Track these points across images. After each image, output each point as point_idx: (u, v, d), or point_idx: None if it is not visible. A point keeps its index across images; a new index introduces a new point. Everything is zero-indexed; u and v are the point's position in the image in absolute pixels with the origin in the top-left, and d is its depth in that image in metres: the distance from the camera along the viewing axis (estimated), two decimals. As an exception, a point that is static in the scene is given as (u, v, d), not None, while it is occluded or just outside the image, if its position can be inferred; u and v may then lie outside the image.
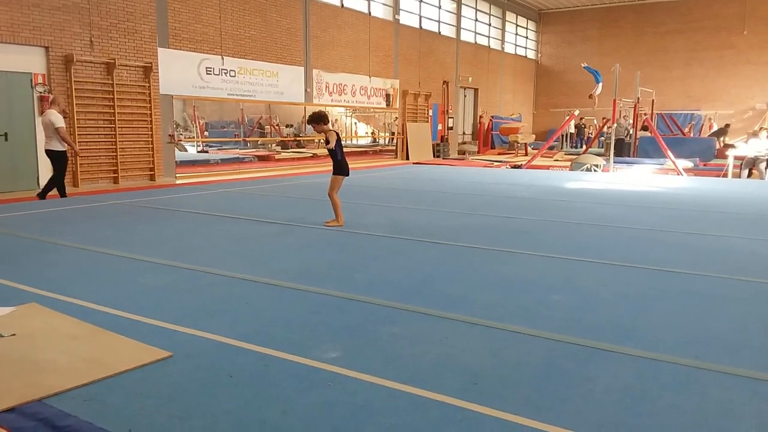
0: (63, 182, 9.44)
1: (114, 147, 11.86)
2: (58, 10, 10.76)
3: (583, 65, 21.90)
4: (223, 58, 13.99)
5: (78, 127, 11.19)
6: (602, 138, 21.21)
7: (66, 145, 9.20)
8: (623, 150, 18.34)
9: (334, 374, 2.97)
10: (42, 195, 9.32)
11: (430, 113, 22.16)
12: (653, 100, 22.99)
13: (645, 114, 20.11)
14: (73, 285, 4.55)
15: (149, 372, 2.98)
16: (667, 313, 4.03)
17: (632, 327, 3.73)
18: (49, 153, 9.16)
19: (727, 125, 22.74)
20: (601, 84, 20.54)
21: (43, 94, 10.67)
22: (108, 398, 2.70)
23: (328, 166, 7.55)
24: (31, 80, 10.60)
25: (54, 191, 9.44)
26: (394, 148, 20.89)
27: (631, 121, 19.03)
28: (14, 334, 3.44)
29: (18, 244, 6.12)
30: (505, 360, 3.19)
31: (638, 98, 18.00)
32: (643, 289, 4.58)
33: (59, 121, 9.04)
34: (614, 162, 16.06)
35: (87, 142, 11.42)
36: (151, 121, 12.41)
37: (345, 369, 3.02)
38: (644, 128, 19.06)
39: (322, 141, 18.72)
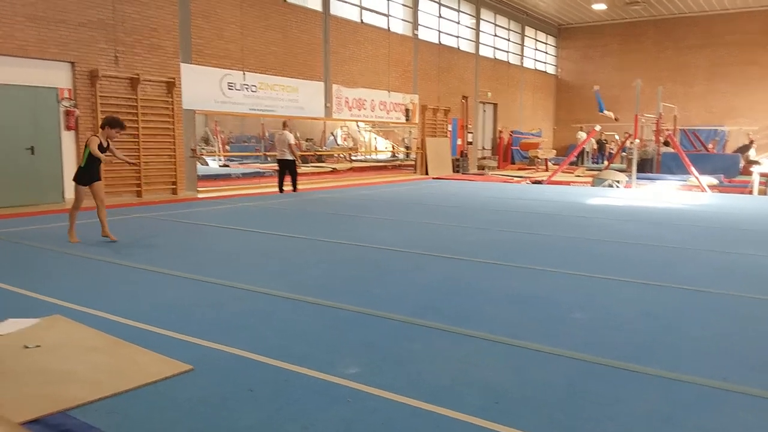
0: (295, 181, 13.15)
1: (138, 161, 12.03)
2: (84, 27, 11.00)
3: (595, 88, 22.17)
4: (244, 74, 14.17)
5: (102, 141, 11.36)
6: (624, 154, 21.03)
7: (294, 156, 12.75)
8: (646, 166, 18.13)
9: (354, 390, 2.95)
10: (280, 190, 13.15)
11: (450, 128, 22.18)
12: (675, 116, 22.76)
13: (668, 130, 19.89)
14: (95, 297, 4.60)
15: (170, 385, 3.00)
16: (693, 332, 3.95)
17: (657, 347, 3.66)
18: (283, 162, 12.84)
19: (752, 141, 22.42)
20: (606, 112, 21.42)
21: (68, 108, 10.89)
22: (130, 411, 2.72)
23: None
24: (57, 95, 10.83)
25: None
26: (413, 163, 20.91)
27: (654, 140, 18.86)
28: (39, 346, 3.49)
29: (42, 256, 6.22)
30: (527, 379, 3.15)
31: (660, 114, 17.83)
32: (668, 308, 4.50)
33: (292, 139, 12.66)
34: (637, 178, 15.90)
35: (111, 155, 11.57)
36: (173, 135, 12.59)
37: (365, 385, 3.01)
38: (666, 143, 18.85)
39: (341, 156, 18.91)
